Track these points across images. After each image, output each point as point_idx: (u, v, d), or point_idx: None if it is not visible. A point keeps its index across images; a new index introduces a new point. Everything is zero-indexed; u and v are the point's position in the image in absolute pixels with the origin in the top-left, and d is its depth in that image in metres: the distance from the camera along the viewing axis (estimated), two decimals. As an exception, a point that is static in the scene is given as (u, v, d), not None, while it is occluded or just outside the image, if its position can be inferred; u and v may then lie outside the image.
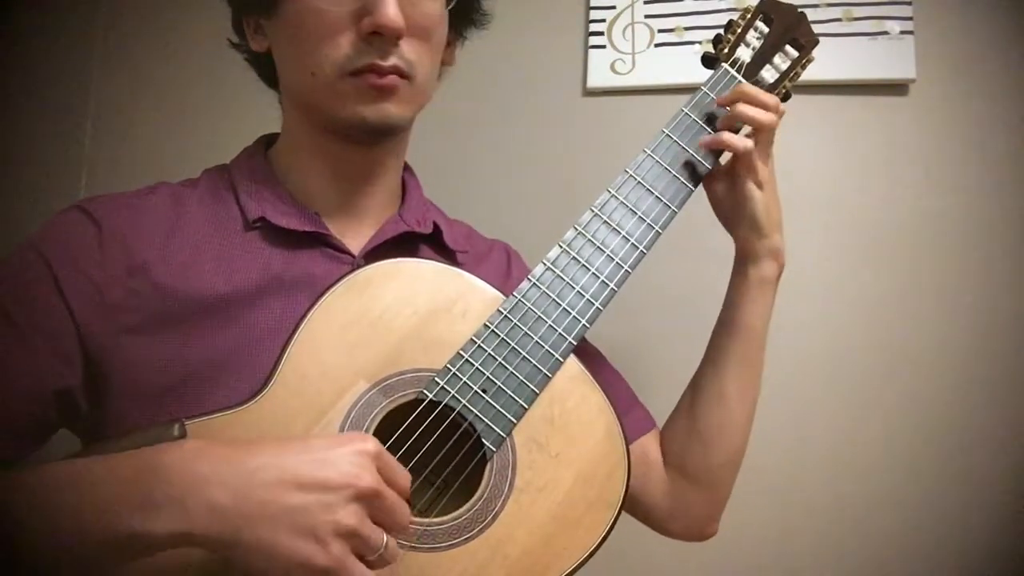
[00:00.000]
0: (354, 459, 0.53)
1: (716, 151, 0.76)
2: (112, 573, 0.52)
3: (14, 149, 1.43)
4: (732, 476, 0.81)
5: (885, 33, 1.14)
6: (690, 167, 0.75)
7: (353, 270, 0.70)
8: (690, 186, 0.74)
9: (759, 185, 0.76)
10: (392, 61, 0.68)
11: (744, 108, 0.74)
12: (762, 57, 0.79)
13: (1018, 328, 1.09)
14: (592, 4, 1.24)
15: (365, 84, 0.68)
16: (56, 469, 0.54)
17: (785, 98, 0.82)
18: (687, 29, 1.20)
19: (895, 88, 1.15)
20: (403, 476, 0.56)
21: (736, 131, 0.76)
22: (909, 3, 1.14)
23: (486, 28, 0.82)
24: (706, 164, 0.75)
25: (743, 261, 0.79)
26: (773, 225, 0.78)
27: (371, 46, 0.67)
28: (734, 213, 0.78)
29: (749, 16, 0.80)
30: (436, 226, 0.80)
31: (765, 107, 0.74)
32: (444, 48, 0.77)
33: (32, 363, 0.64)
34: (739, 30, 0.79)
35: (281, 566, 0.49)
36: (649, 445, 0.81)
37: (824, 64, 1.09)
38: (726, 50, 0.79)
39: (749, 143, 0.74)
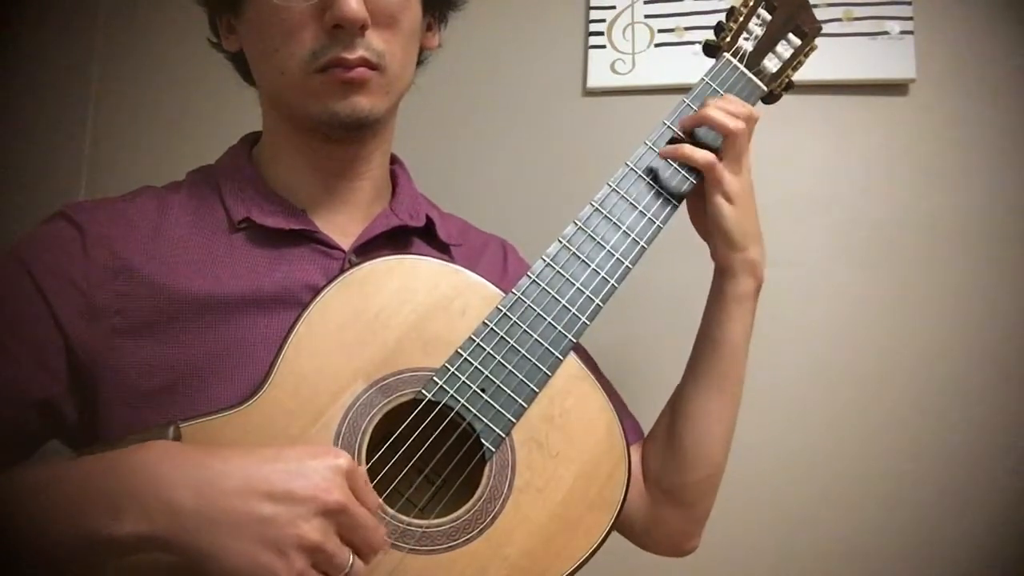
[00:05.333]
0: (324, 473, 0.51)
1: (714, 146, 0.75)
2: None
3: (14, 149, 1.43)
4: (710, 493, 0.78)
5: (885, 33, 1.14)
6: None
7: (345, 265, 0.70)
8: (691, 179, 0.74)
9: (728, 198, 0.72)
10: (359, 53, 0.67)
11: (712, 111, 0.71)
12: (765, 46, 0.78)
13: (1019, 328, 1.09)
14: (592, 4, 1.24)
15: (333, 79, 0.67)
16: (31, 472, 0.54)
17: (787, 88, 0.81)
18: (687, 29, 1.20)
19: (895, 88, 1.15)
20: (371, 498, 0.55)
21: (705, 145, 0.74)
22: (909, 3, 1.14)
23: (461, 9, 0.81)
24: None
25: (719, 275, 0.76)
26: (748, 239, 0.74)
27: (336, 40, 0.66)
28: (707, 226, 0.75)
29: (751, 4, 0.79)
30: (429, 219, 0.79)
31: (734, 114, 0.72)
32: (423, 33, 0.76)
33: (10, 374, 0.63)
34: (741, 18, 0.78)
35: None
36: (633, 457, 0.80)
37: (824, 64, 1.09)
38: (728, 39, 0.78)
39: (710, 156, 0.72)
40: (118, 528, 0.49)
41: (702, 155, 0.72)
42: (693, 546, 0.81)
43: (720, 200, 0.72)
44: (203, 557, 0.48)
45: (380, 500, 0.58)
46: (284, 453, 0.53)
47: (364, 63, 0.67)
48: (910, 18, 1.13)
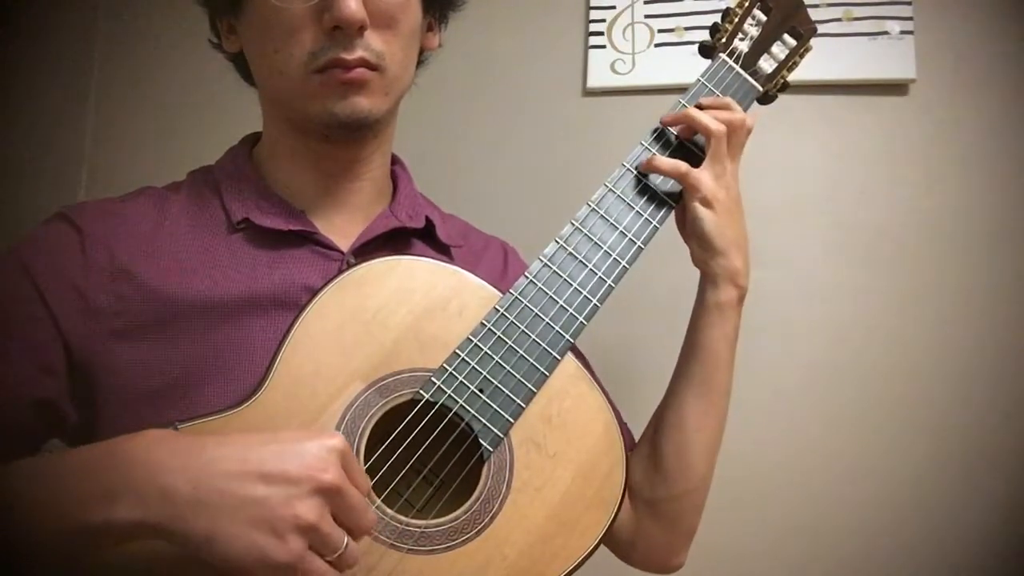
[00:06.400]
0: (319, 453, 0.51)
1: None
2: (86, 565, 0.51)
3: (14, 149, 1.43)
4: (694, 508, 0.77)
5: (885, 33, 1.14)
6: (687, 160, 0.74)
7: (343, 267, 0.70)
8: None
9: (705, 203, 0.72)
10: (358, 54, 0.67)
11: (694, 112, 0.72)
12: (760, 46, 0.79)
13: (1019, 328, 1.09)
14: (592, 4, 1.24)
15: (333, 80, 0.67)
16: (27, 464, 0.54)
17: (783, 88, 0.81)
18: (687, 29, 1.20)
19: (895, 88, 1.15)
20: (363, 480, 0.54)
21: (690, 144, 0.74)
22: (909, 3, 1.14)
23: (462, 9, 0.81)
24: (702, 157, 0.74)
25: (701, 282, 0.76)
26: (728, 246, 0.73)
27: (335, 41, 0.66)
28: (686, 231, 0.75)
29: (747, 4, 0.79)
30: (428, 220, 0.79)
31: (717, 116, 0.72)
32: (423, 33, 0.76)
33: (10, 374, 0.63)
34: (736, 19, 0.78)
35: (237, 559, 0.48)
36: None
37: (824, 64, 1.09)
38: (723, 40, 0.78)
39: (680, 165, 0.72)
40: (113, 514, 0.48)
41: (670, 164, 0.72)
42: (678, 563, 0.79)
43: (696, 205, 0.72)
44: (200, 541, 0.48)
45: (369, 482, 0.57)
46: (279, 435, 0.53)
47: (363, 64, 0.67)
48: (910, 18, 1.13)
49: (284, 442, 0.52)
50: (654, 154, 0.73)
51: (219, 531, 0.48)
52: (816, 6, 1.14)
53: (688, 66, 1.17)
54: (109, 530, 0.49)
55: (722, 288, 0.74)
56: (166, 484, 0.49)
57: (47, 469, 0.53)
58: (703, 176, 0.72)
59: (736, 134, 0.73)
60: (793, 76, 0.81)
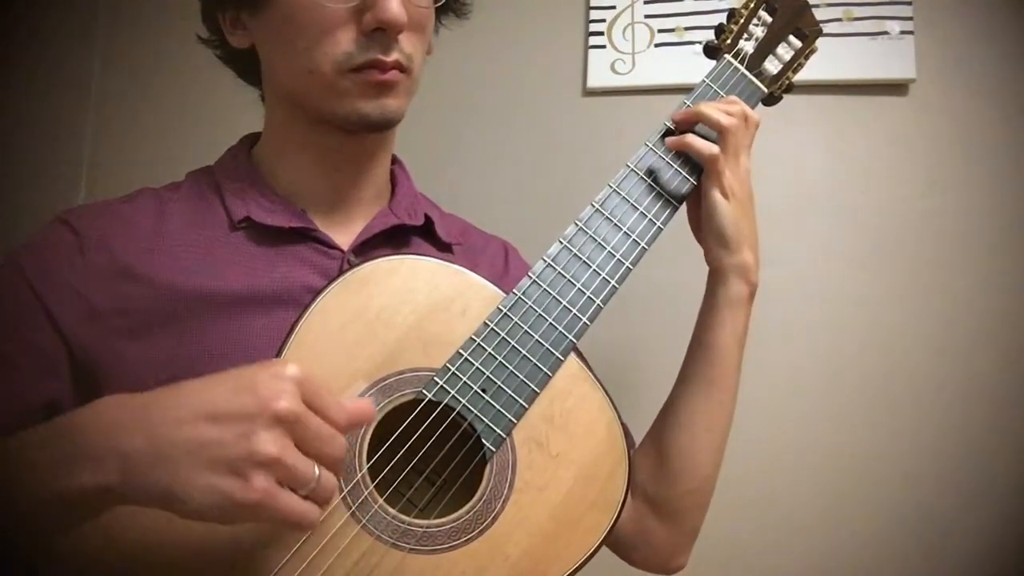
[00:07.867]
0: (270, 382, 0.47)
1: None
2: (65, 536, 0.51)
3: (14, 149, 1.43)
4: (698, 508, 0.76)
5: (885, 33, 1.14)
6: (691, 160, 0.74)
7: (344, 265, 0.70)
8: (692, 180, 0.74)
9: (725, 195, 0.72)
10: (394, 56, 0.67)
11: (705, 107, 0.72)
12: (765, 48, 0.79)
13: (1018, 328, 1.09)
14: (592, 4, 1.24)
15: (368, 80, 0.67)
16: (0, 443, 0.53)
17: (788, 89, 0.81)
18: (687, 29, 1.21)
19: (895, 88, 1.15)
20: (335, 407, 0.50)
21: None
22: (909, 3, 1.14)
23: (467, 17, 0.81)
24: None
25: (711, 279, 0.76)
26: (742, 241, 0.73)
27: (373, 41, 0.67)
28: (702, 225, 0.75)
29: (752, 5, 0.79)
30: (428, 218, 0.79)
31: (727, 111, 0.72)
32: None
33: (16, 380, 0.63)
34: (742, 20, 0.79)
35: (200, 507, 0.45)
36: None
37: (824, 64, 1.08)
38: (728, 40, 0.79)
39: (713, 148, 0.72)
40: (75, 481, 0.47)
41: (707, 146, 0.72)
42: (681, 563, 0.79)
43: (717, 195, 0.72)
44: (162, 496, 0.46)
45: (345, 407, 0.52)
46: (233, 372, 0.50)
47: (397, 66, 0.68)
48: (910, 18, 1.14)
49: (236, 378, 0.48)
50: (686, 132, 0.73)
51: (179, 481, 0.45)
52: (816, 6, 1.13)
53: (688, 66, 1.18)
54: (73, 497, 0.48)
55: (733, 284, 0.74)
56: (122, 445, 0.47)
57: (13, 445, 0.52)
58: (726, 167, 0.72)
59: (741, 127, 0.73)
60: (795, 77, 0.81)
